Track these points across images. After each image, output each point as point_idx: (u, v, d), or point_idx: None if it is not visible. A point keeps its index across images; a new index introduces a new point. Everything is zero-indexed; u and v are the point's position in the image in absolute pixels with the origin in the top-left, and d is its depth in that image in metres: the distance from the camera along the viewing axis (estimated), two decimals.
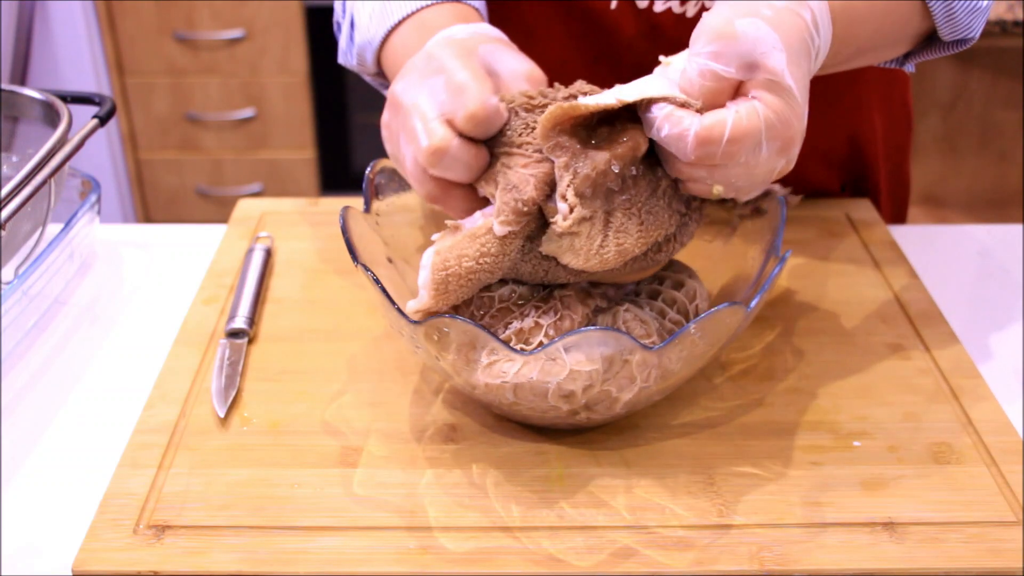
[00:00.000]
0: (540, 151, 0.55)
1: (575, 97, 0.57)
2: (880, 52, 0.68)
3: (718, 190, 0.56)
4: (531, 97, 0.57)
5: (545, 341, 0.57)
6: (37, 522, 0.58)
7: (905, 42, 0.68)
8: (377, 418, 0.63)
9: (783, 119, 0.54)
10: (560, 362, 0.54)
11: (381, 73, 0.75)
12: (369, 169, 0.66)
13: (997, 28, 2.03)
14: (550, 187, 0.55)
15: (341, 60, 0.77)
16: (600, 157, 0.54)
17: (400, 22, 0.69)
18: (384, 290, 0.55)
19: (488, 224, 0.55)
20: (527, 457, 0.60)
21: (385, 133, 0.61)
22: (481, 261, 0.55)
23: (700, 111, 0.53)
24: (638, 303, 0.61)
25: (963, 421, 0.63)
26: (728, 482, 0.58)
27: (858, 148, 0.91)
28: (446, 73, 0.56)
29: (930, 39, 0.70)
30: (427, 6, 0.69)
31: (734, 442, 0.61)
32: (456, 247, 0.55)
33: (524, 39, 0.84)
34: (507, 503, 0.57)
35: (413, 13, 0.69)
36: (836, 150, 0.91)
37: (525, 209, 0.55)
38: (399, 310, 0.54)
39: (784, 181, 0.67)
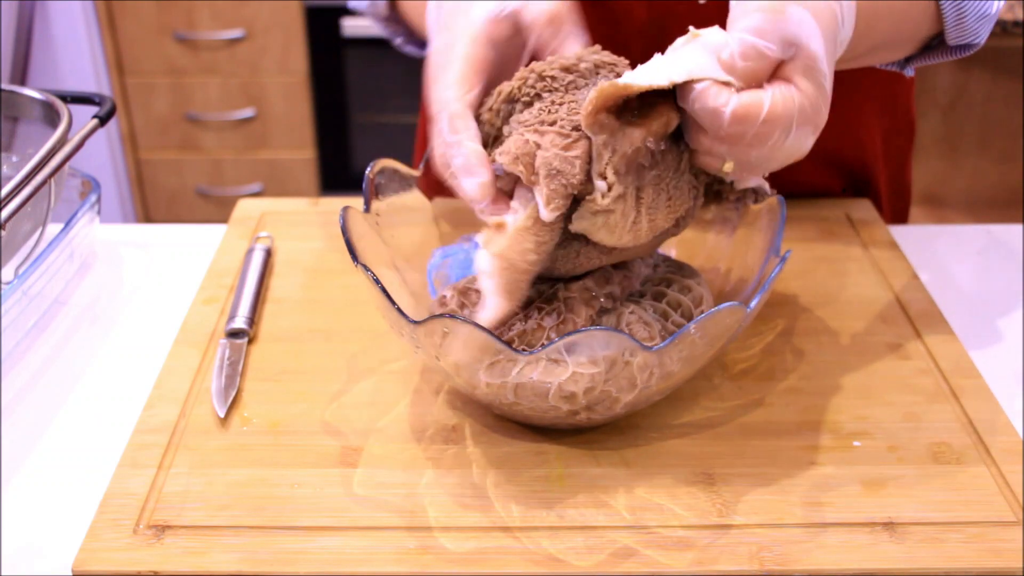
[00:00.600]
0: (576, 128, 0.54)
1: (602, 70, 0.56)
2: (890, 52, 0.68)
3: (729, 166, 0.56)
4: (554, 77, 0.56)
5: (547, 343, 0.57)
6: (37, 522, 0.58)
7: (913, 43, 0.68)
8: (377, 418, 0.63)
9: (815, 106, 0.54)
10: (563, 364, 0.54)
11: (393, 19, 0.74)
12: (369, 169, 0.66)
13: (997, 28, 2.03)
14: (589, 163, 0.54)
15: (350, 4, 0.77)
16: (637, 134, 0.53)
17: None
18: (384, 290, 0.55)
19: (534, 213, 0.54)
20: (527, 457, 0.60)
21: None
22: (540, 251, 0.54)
23: (738, 90, 0.53)
24: (642, 305, 0.61)
25: (963, 421, 0.63)
26: (728, 482, 0.58)
27: (859, 152, 0.91)
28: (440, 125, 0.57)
29: (934, 43, 0.70)
30: None
31: (734, 442, 0.61)
32: (514, 245, 0.54)
33: None
34: (507, 503, 0.57)
35: None
36: (836, 153, 0.91)
37: (574, 193, 0.54)
38: (399, 310, 0.54)
39: (783, 182, 0.67)
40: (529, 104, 0.56)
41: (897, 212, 0.98)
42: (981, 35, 0.67)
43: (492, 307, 0.54)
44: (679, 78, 0.52)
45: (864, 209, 0.88)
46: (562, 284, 0.60)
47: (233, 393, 0.65)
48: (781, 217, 0.62)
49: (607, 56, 0.57)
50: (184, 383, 0.66)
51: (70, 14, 2.17)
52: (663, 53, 0.56)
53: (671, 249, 0.71)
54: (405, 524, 0.55)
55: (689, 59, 0.54)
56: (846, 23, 0.57)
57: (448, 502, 0.57)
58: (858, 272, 0.79)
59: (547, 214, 0.54)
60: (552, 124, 0.54)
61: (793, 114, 0.53)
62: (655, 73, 0.53)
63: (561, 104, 0.55)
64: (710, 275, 0.67)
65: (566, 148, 0.53)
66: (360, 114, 2.31)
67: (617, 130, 0.53)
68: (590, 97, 0.52)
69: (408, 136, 2.30)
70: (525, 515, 0.56)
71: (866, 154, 0.91)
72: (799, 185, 0.88)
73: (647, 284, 0.63)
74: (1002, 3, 0.66)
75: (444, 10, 0.60)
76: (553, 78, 0.56)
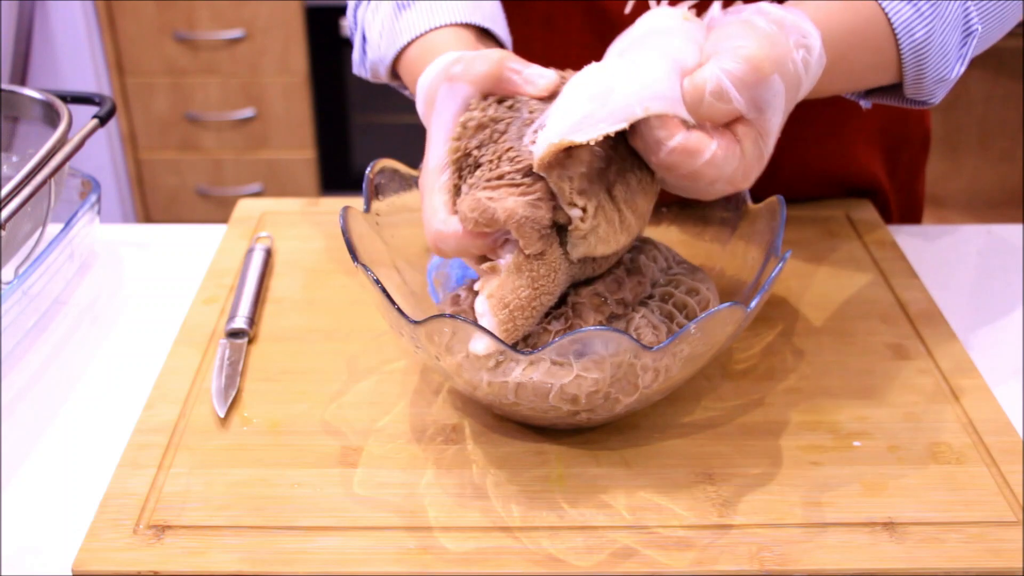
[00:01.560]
0: (525, 173, 0.54)
1: (516, 104, 0.56)
2: (844, 89, 0.68)
3: (673, 181, 0.57)
4: (480, 137, 0.56)
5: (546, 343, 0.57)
6: (37, 522, 0.58)
7: (869, 86, 0.68)
8: (377, 418, 0.63)
9: (747, 172, 0.56)
10: (567, 366, 0.54)
11: (399, 78, 0.75)
12: (369, 169, 0.66)
13: None
14: (553, 198, 0.55)
15: (356, 71, 0.78)
16: (584, 153, 0.54)
17: (408, 44, 0.69)
18: (384, 290, 0.55)
19: (519, 255, 0.55)
20: (527, 457, 0.60)
21: None
22: (536, 286, 0.55)
23: (688, 127, 0.54)
24: (651, 308, 0.61)
25: (963, 421, 0.63)
26: (728, 482, 0.58)
27: (861, 173, 0.91)
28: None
29: (892, 88, 0.69)
30: (433, 30, 0.68)
31: (734, 442, 0.61)
32: (506, 284, 0.55)
33: (542, 37, 0.85)
34: (507, 503, 0.57)
35: (419, 37, 0.68)
36: (838, 175, 0.90)
37: (546, 232, 0.55)
38: (399, 310, 0.54)
39: (782, 192, 0.67)
40: (475, 167, 0.57)
41: (908, 217, 0.99)
42: (936, 97, 0.67)
43: (488, 344, 0.54)
44: (624, 124, 0.52)
45: (864, 209, 0.88)
46: (572, 289, 0.60)
47: (233, 393, 0.65)
48: (781, 217, 0.62)
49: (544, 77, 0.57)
50: (184, 383, 0.66)
51: (70, 14, 2.17)
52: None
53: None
54: (405, 524, 0.55)
55: (646, 78, 0.53)
56: (810, 74, 0.58)
57: (448, 502, 0.57)
58: (858, 272, 0.79)
59: (530, 254, 0.55)
60: (500, 179, 0.55)
61: (726, 171, 0.54)
62: (594, 123, 0.52)
63: (499, 157, 0.55)
64: (709, 276, 0.67)
65: (524, 194, 0.54)
66: (360, 114, 2.31)
67: (565, 160, 0.53)
68: (539, 156, 0.52)
69: (408, 136, 2.31)
70: (525, 515, 0.56)
71: (868, 172, 0.91)
72: (801, 196, 0.88)
73: (656, 286, 0.63)
74: (962, 70, 0.66)
75: (427, 107, 0.61)
76: (479, 140, 0.56)
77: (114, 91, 2.27)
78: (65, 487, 0.61)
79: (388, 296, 0.55)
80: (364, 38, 0.75)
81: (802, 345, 0.70)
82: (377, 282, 0.55)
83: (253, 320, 0.72)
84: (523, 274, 0.55)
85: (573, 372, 0.54)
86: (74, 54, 2.20)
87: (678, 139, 0.53)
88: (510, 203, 0.54)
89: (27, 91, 0.83)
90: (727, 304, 0.53)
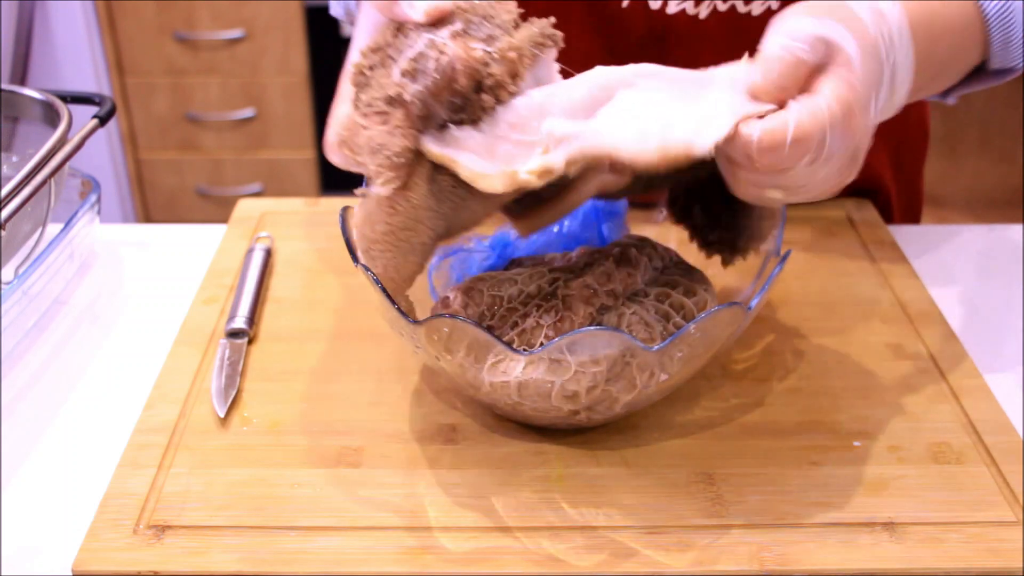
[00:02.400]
0: (389, 101, 0.53)
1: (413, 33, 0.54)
2: (941, 82, 0.66)
3: (776, 194, 0.53)
4: (369, 62, 0.55)
5: (545, 341, 0.57)
6: (37, 522, 0.58)
7: (962, 72, 0.67)
8: (377, 418, 0.63)
9: (846, 113, 0.51)
10: (565, 363, 0.54)
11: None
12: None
13: None
14: (421, 127, 0.53)
15: (332, 11, 0.79)
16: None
17: None
18: (384, 290, 0.55)
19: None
20: (527, 457, 0.60)
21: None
22: (391, 221, 0.54)
23: (760, 115, 0.51)
24: (645, 306, 0.61)
25: (963, 421, 0.63)
26: (728, 482, 0.58)
27: (867, 171, 0.91)
28: None
29: (974, 72, 0.68)
30: None
31: (734, 442, 0.61)
32: (361, 214, 0.55)
33: None
34: (507, 503, 0.57)
35: None
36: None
37: (401, 163, 0.53)
38: (399, 310, 0.54)
39: None
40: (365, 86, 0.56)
41: (908, 216, 0.98)
42: (1021, 60, 0.66)
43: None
44: (718, 140, 0.50)
45: (864, 209, 0.88)
46: (562, 281, 0.60)
47: (233, 393, 0.65)
48: (781, 217, 0.62)
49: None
50: (184, 383, 0.66)
51: (70, 14, 2.17)
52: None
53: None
54: (405, 524, 0.55)
55: (718, 105, 0.51)
56: (901, 53, 0.55)
57: (448, 502, 0.57)
58: (858, 272, 0.79)
59: (380, 189, 0.53)
60: (369, 105, 0.54)
61: (824, 126, 0.50)
62: (692, 139, 0.50)
63: (379, 84, 0.54)
64: (708, 275, 0.67)
65: (384, 123, 0.53)
66: None
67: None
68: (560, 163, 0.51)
69: None
70: (525, 515, 0.56)
71: (873, 171, 0.91)
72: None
73: (652, 285, 0.63)
74: None
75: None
76: (371, 62, 0.55)
77: (114, 91, 2.27)
78: (65, 487, 0.61)
79: (388, 296, 0.55)
80: None
81: (802, 345, 0.70)
82: (377, 282, 0.55)
83: (253, 320, 0.72)
84: (381, 207, 0.54)
85: (572, 369, 0.54)
86: (74, 54, 2.20)
87: (757, 130, 0.50)
88: (371, 132, 0.53)
89: (27, 91, 0.83)
90: (727, 304, 0.53)
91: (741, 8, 0.79)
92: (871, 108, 0.53)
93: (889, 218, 0.94)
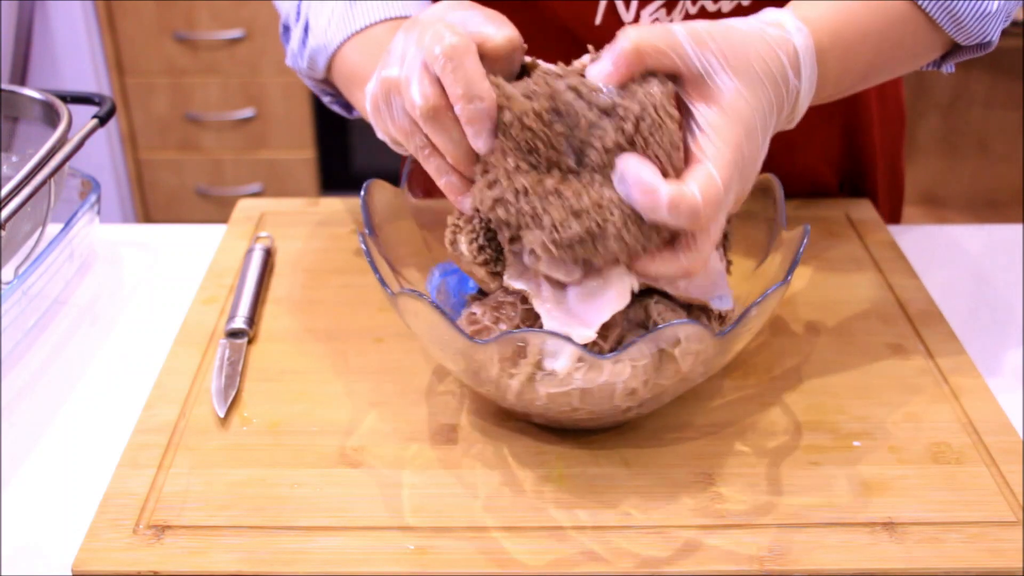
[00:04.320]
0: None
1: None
2: (893, 70, 0.67)
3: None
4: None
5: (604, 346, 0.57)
6: (37, 522, 0.58)
7: (925, 54, 0.67)
8: (377, 418, 0.63)
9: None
10: (622, 362, 0.53)
11: (327, 82, 0.75)
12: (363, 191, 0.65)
13: None
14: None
15: (289, 62, 0.77)
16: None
17: (362, 30, 0.69)
18: (443, 311, 0.53)
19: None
20: (527, 457, 0.60)
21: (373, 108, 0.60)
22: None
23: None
24: (666, 293, 0.60)
25: (963, 421, 0.63)
26: (728, 482, 0.58)
27: (855, 144, 0.91)
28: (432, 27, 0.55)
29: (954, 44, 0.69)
30: (392, 19, 0.68)
31: (734, 442, 0.61)
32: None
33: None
34: (507, 503, 0.57)
35: (376, 23, 0.69)
36: (834, 145, 0.90)
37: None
38: (462, 332, 0.53)
39: (784, 179, 0.66)
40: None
41: (893, 207, 0.98)
42: (989, 33, 0.65)
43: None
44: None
45: (864, 209, 0.88)
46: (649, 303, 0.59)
47: (233, 393, 0.65)
48: (779, 193, 0.63)
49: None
50: (184, 383, 0.66)
51: (70, 14, 2.17)
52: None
53: None
54: (405, 524, 0.55)
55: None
56: (803, 68, 0.56)
57: (448, 502, 0.57)
58: (858, 272, 0.79)
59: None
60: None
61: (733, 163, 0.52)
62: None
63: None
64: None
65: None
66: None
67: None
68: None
69: None
70: (525, 515, 0.56)
71: (862, 143, 0.91)
72: (799, 183, 0.88)
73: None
74: (1009, 1, 0.65)
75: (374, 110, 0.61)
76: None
77: (114, 91, 2.27)
78: (65, 487, 0.61)
79: (448, 318, 0.53)
80: (306, 28, 0.74)
81: (802, 345, 0.70)
82: (435, 304, 0.53)
83: (253, 320, 0.72)
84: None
85: (628, 367, 0.53)
86: (74, 54, 2.20)
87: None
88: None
89: (27, 91, 0.83)
90: (776, 286, 0.54)
91: (710, 7, 0.78)
92: (759, 134, 0.55)
93: (874, 198, 0.93)
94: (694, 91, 0.53)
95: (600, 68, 0.54)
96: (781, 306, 0.74)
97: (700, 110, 0.53)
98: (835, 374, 0.67)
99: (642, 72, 0.53)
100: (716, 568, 0.53)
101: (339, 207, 0.89)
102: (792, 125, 0.60)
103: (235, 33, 2.23)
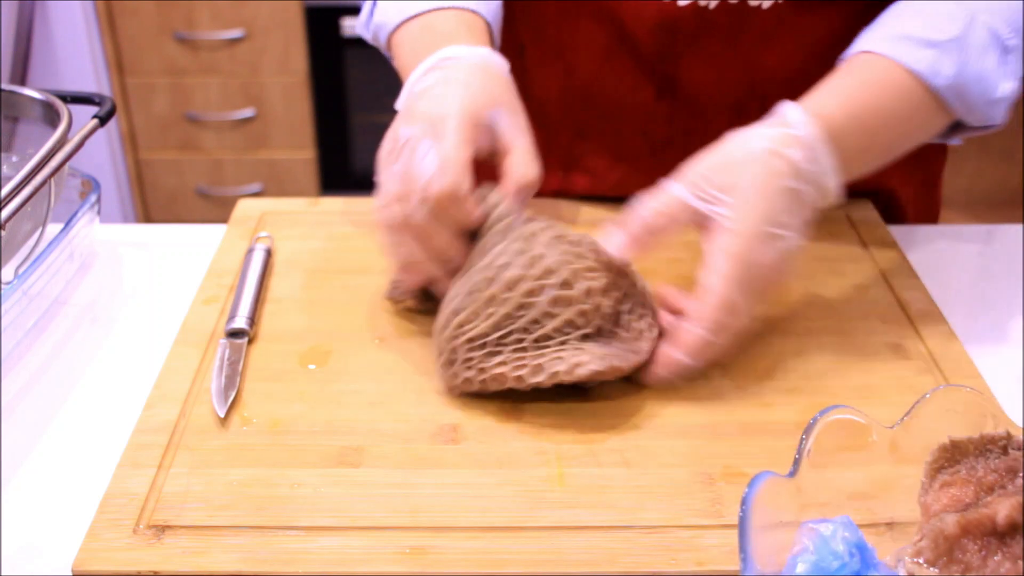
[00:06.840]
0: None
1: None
2: (905, 145, 0.72)
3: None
4: None
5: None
6: (37, 522, 0.58)
7: (935, 130, 0.72)
8: (377, 418, 0.63)
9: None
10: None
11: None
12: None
13: None
14: None
15: (359, 30, 0.84)
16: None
17: (412, 17, 0.75)
18: None
19: None
20: (527, 457, 0.60)
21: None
22: None
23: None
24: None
25: None
26: (728, 482, 0.58)
27: (883, 181, 0.91)
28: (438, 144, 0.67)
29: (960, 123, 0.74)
30: (435, 9, 0.75)
31: (734, 442, 0.61)
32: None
33: (541, 29, 0.86)
34: (507, 503, 0.57)
35: (423, 13, 0.75)
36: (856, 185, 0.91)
37: None
38: None
39: None
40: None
41: (924, 219, 0.99)
42: (996, 118, 0.71)
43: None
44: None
45: (864, 209, 0.88)
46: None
47: (233, 393, 0.65)
48: None
49: None
50: (184, 383, 0.66)
51: (70, 14, 2.17)
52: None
53: None
54: (405, 524, 0.55)
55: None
56: (820, 159, 0.64)
57: (448, 502, 0.57)
58: (858, 272, 0.79)
59: None
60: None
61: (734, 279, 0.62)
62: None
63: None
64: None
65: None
66: (360, 114, 2.31)
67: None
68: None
69: None
70: (525, 515, 0.56)
71: (891, 181, 0.91)
72: None
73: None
74: (1016, 85, 0.69)
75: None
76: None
77: (114, 91, 2.27)
78: (65, 487, 0.61)
79: None
80: (375, 2, 0.81)
81: (802, 345, 0.70)
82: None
83: (253, 320, 0.72)
84: None
85: None
86: (74, 54, 2.20)
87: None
88: None
89: (27, 91, 0.83)
90: None
91: (752, 1, 0.79)
92: (767, 239, 0.63)
93: (903, 219, 0.93)
94: (701, 228, 0.64)
95: (616, 241, 0.65)
96: (781, 306, 0.74)
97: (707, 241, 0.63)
98: (835, 374, 0.67)
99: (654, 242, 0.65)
100: (716, 568, 0.53)
101: (339, 207, 0.89)
102: (828, 202, 0.67)
103: (235, 33, 2.23)
